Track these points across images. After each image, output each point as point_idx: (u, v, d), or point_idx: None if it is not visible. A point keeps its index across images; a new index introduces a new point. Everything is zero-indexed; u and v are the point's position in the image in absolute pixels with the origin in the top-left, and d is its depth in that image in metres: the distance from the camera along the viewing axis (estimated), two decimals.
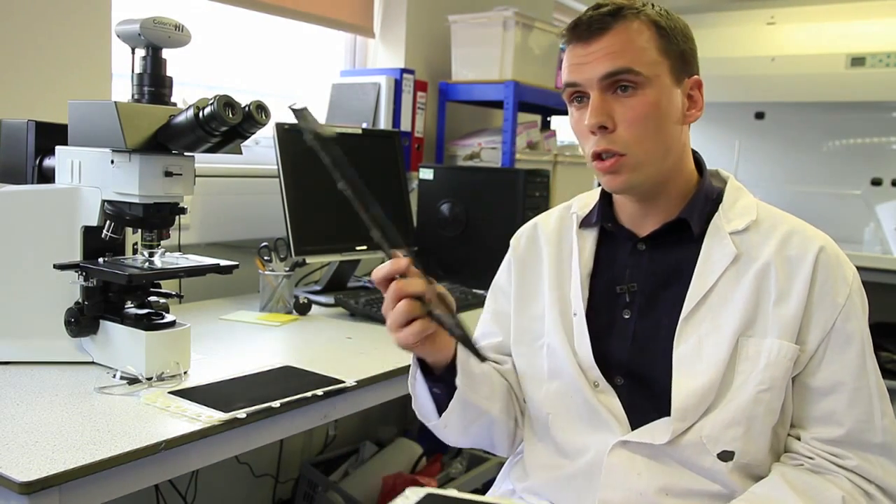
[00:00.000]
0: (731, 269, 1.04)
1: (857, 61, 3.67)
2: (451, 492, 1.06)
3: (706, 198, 1.09)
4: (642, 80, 1.01)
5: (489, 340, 1.25)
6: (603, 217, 1.15)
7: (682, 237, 1.08)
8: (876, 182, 3.89)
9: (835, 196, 3.94)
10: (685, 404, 1.00)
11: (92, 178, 1.36)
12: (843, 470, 1.00)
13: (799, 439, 1.03)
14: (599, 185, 1.17)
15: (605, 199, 1.16)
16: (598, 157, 1.04)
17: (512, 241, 1.26)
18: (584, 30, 1.03)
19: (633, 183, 1.05)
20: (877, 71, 3.64)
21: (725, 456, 1.00)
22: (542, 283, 1.17)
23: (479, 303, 1.55)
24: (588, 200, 1.19)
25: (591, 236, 1.16)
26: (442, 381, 1.10)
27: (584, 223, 1.17)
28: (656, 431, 1.02)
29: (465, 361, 1.08)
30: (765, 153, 4.12)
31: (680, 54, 1.05)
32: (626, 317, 1.10)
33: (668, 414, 1.01)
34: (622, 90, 1.02)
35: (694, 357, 1.02)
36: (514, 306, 1.20)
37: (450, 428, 1.13)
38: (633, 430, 1.04)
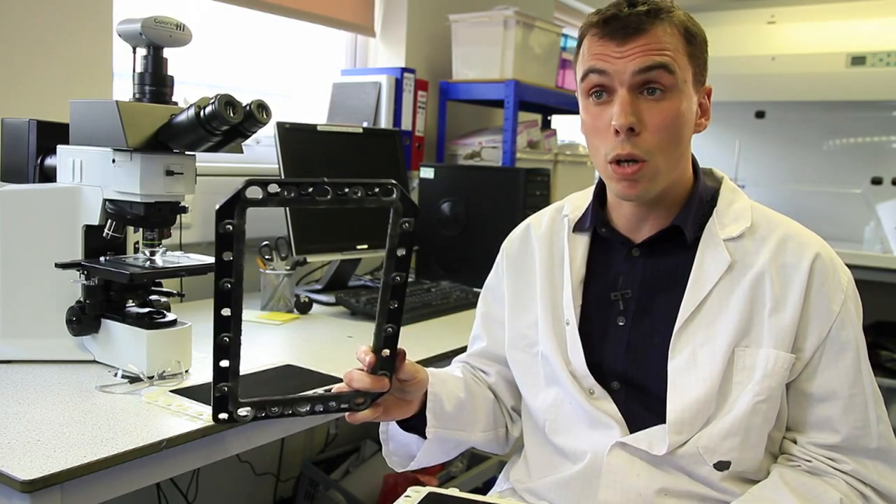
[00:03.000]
0: (725, 278, 1.02)
1: (858, 60, 3.68)
2: (453, 491, 1.06)
3: (701, 201, 1.08)
4: (673, 82, 0.99)
5: (476, 346, 1.25)
6: (596, 221, 1.13)
7: (677, 243, 1.07)
8: (876, 181, 3.89)
9: (835, 195, 3.94)
10: (681, 418, 1.00)
11: (93, 177, 1.36)
12: (839, 473, 1.00)
13: (795, 443, 1.03)
14: (596, 185, 1.16)
15: (599, 201, 1.14)
16: (616, 161, 1.01)
17: (504, 244, 1.24)
18: (619, 27, 0.99)
19: (649, 193, 1.03)
20: (877, 70, 3.65)
21: (722, 466, 1.00)
22: (534, 289, 1.16)
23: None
24: (580, 202, 1.17)
25: (583, 241, 1.14)
26: (414, 430, 1.11)
27: (577, 227, 1.15)
28: (654, 440, 1.01)
29: (437, 406, 1.09)
30: (765, 152, 4.12)
31: (703, 62, 1.05)
32: (621, 324, 1.08)
33: (666, 420, 1.01)
34: (650, 93, 0.99)
35: (689, 369, 1.01)
36: (508, 312, 1.18)
37: (425, 462, 1.15)
38: (631, 432, 1.04)
